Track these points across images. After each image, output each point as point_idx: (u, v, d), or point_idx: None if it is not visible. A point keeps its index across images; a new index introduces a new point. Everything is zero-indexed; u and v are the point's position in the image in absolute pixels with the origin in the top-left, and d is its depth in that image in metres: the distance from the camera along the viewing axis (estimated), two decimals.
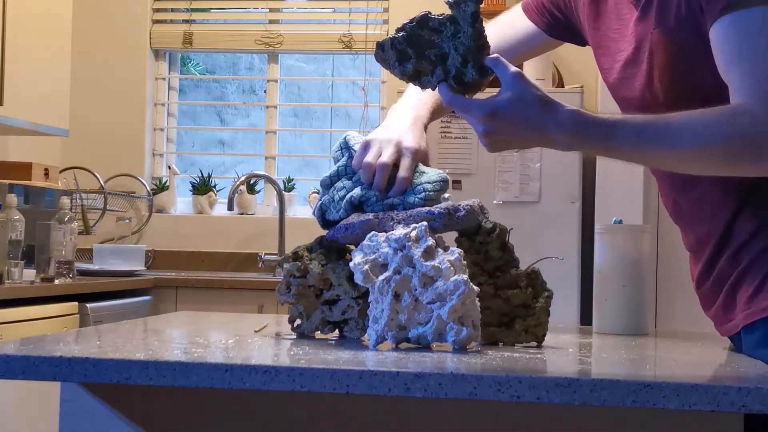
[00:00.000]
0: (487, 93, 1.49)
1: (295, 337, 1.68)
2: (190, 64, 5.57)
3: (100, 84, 5.16)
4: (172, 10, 5.29)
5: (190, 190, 5.21)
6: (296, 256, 1.69)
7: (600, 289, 2.02)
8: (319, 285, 1.67)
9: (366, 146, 1.70)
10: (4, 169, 4.09)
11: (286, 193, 4.99)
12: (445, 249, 1.55)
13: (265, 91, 5.30)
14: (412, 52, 1.58)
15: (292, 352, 1.46)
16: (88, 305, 3.76)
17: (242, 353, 1.48)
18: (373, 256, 1.54)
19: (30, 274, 3.72)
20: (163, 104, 5.29)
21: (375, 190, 1.65)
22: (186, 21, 5.28)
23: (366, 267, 1.53)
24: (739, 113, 1.42)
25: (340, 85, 5.39)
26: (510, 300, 1.65)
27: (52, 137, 4.70)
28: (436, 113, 1.84)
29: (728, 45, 1.46)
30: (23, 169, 4.13)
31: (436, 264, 1.51)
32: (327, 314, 1.67)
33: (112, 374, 1.30)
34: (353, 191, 1.68)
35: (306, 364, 1.28)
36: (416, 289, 1.51)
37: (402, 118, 1.77)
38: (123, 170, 5.09)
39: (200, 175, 5.18)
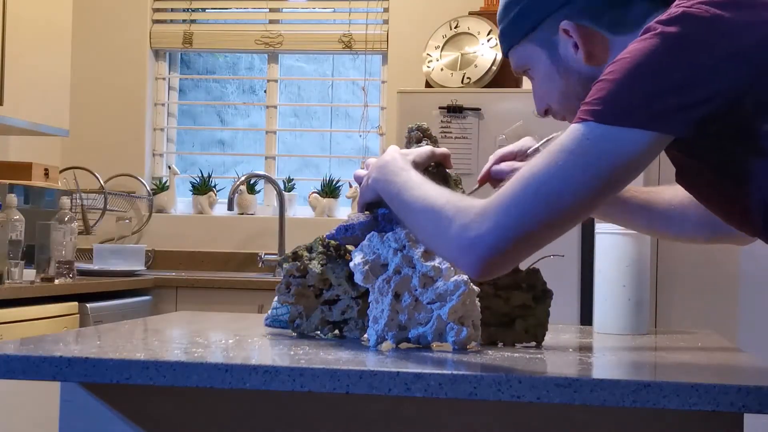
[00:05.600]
0: None
1: (295, 336, 1.68)
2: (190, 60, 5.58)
3: (100, 84, 5.16)
4: (172, 10, 5.28)
5: (190, 190, 5.21)
6: (296, 256, 1.69)
7: (600, 289, 2.02)
8: (318, 285, 1.67)
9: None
10: (4, 169, 4.09)
11: (286, 193, 4.99)
12: None
13: (265, 91, 5.30)
14: None
15: (292, 352, 1.46)
16: (88, 305, 3.76)
17: (242, 353, 1.48)
18: (373, 257, 1.54)
19: (30, 274, 3.72)
20: (163, 104, 5.29)
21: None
22: (186, 21, 5.28)
23: (366, 267, 1.53)
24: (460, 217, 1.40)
25: (340, 85, 5.39)
26: (510, 300, 1.65)
27: (52, 137, 4.69)
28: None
29: None
30: (23, 169, 4.12)
31: (436, 264, 1.51)
32: (327, 314, 1.67)
33: (112, 374, 1.30)
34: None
35: (306, 364, 1.28)
36: (416, 290, 1.51)
37: None
38: (123, 170, 5.09)
39: (200, 175, 5.17)
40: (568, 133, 1.37)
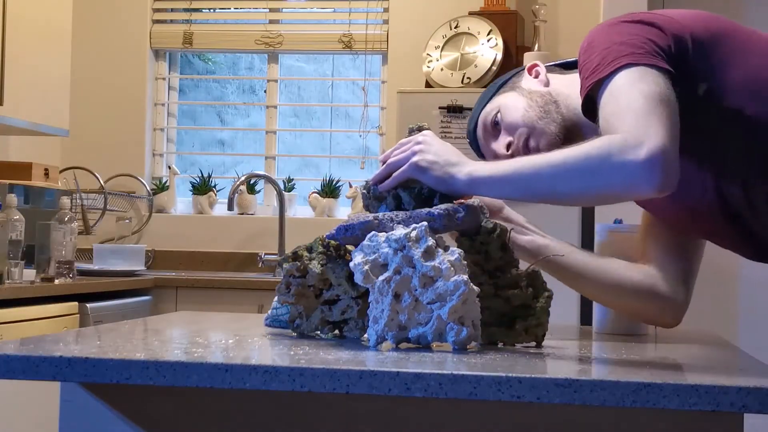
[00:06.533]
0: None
1: (295, 336, 1.68)
2: (200, 57, 5.58)
3: (100, 84, 5.16)
4: (172, 10, 5.29)
5: (190, 190, 5.21)
6: (296, 256, 1.69)
7: None
8: (318, 285, 1.67)
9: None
10: (4, 169, 4.09)
11: (286, 193, 4.99)
12: (446, 249, 1.55)
13: (265, 91, 5.30)
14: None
15: (292, 352, 1.46)
16: (88, 305, 3.76)
17: (242, 353, 1.48)
18: (373, 257, 1.54)
19: (30, 274, 3.72)
20: (163, 104, 5.29)
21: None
22: (186, 21, 5.28)
23: (366, 267, 1.53)
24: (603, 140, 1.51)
25: (340, 85, 5.39)
26: (510, 300, 1.65)
27: (52, 137, 4.70)
28: None
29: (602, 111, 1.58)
30: (23, 169, 4.13)
31: (436, 264, 1.51)
32: (327, 314, 1.67)
33: (112, 374, 1.30)
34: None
35: (306, 364, 1.28)
36: (416, 290, 1.51)
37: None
38: (123, 170, 5.09)
39: (200, 175, 5.17)
40: (618, 82, 1.55)
